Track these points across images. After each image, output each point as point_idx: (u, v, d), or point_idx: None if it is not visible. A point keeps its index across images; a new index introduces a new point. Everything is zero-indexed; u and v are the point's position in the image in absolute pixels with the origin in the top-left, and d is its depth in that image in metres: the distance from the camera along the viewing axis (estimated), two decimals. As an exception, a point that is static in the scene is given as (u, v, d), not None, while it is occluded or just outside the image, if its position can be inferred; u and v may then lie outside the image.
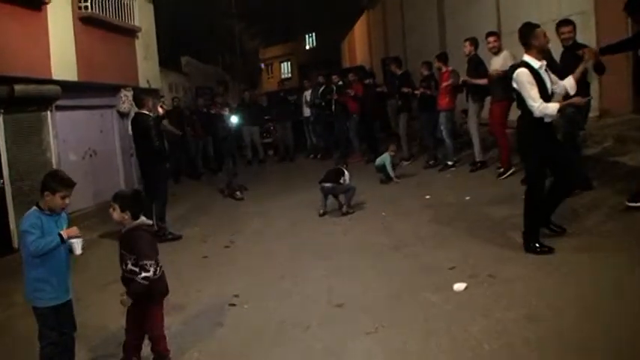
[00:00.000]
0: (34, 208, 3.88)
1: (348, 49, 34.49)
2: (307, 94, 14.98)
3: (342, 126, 14.00)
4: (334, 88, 14.16)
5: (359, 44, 30.41)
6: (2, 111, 8.07)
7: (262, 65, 48.25)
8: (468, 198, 7.93)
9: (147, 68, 12.64)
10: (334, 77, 14.62)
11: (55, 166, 9.22)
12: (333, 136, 14.54)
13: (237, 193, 10.66)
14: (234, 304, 5.28)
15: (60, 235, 3.74)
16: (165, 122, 9.21)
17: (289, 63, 49.44)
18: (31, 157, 8.68)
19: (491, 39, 8.90)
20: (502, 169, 8.79)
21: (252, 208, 9.73)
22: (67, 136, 9.98)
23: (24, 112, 8.55)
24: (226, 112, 12.65)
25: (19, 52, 8.06)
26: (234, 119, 9.55)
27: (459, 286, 4.84)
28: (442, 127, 10.25)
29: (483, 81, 9.01)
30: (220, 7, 25.52)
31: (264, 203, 9.99)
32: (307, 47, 47.93)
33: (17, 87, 8.05)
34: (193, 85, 17.72)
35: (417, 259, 5.83)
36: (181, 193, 11.86)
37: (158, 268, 3.93)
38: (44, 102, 8.94)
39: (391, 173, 10.08)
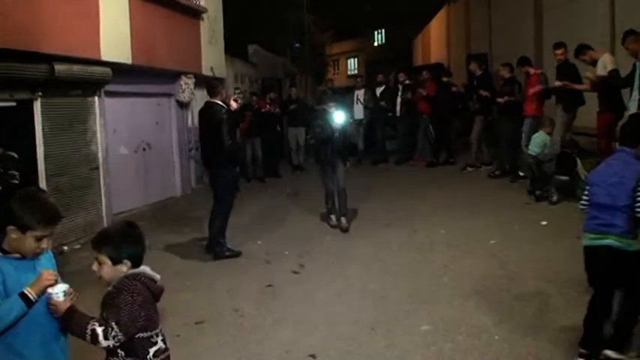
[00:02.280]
0: None
1: (421, 46, 32.77)
2: (359, 93, 13.15)
3: (406, 128, 12.80)
4: (400, 88, 12.70)
5: (435, 41, 28.78)
6: (40, 94, 6.87)
7: (328, 61, 47.01)
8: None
9: (211, 54, 11.35)
10: (400, 75, 13.00)
11: (101, 160, 8.05)
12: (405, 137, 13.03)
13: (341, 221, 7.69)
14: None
15: (24, 294, 2.28)
16: None
17: (356, 59, 48.19)
18: (73, 149, 7.49)
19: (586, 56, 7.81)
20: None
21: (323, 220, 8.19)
22: (118, 126, 8.79)
23: (66, 97, 7.35)
24: (278, 111, 11.69)
25: (62, 28, 6.84)
26: (338, 117, 7.51)
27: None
28: (524, 135, 9.09)
29: (584, 86, 8.03)
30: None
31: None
32: (376, 44, 46.52)
33: (59, 66, 6.84)
34: (260, 76, 16.44)
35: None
36: (240, 199, 10.47)
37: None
38: (91, 86, 7.72)
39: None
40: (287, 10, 23.47)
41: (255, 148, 11.89)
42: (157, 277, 2.55)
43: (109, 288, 2.45)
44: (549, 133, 8.28)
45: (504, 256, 5.87)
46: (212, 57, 11.39)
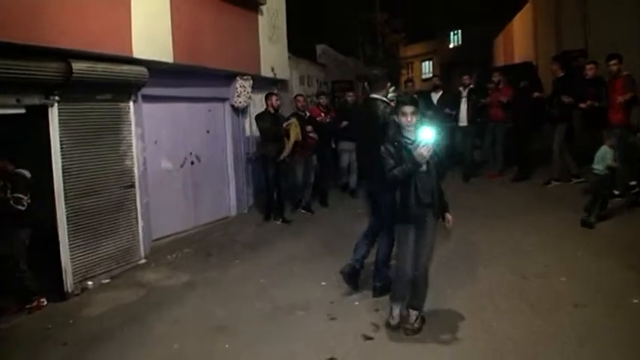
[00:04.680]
0: None
1: (503, 45, 30.81)
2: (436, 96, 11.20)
3: (467, 137, 10.80)
4: (465, 92, 10.64)
5: (518, 39, 26.95)
6: (56, 98, 5.64)
7: (402, 64, 45.27)
8: None
9: (272, 53, 9.94)
10: (465, 78, 10.93)
11: (137, 177, 6.77)
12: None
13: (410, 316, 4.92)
14: None
15: None
16: None
17: (431, 62, 46.26)
18: (101, 165, 6.24)
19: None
20: None
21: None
22: (160, 137, 7.53)
23: (91, 102, 6.10)
24: (329, 120, 9.58)
25: (80, 18, 5.58)
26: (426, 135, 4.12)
27: None
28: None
29: None
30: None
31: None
32: (451, 45, 44.49)
33: (77, 65, 5.59)
34: (329, 79, 14.95)
35: None
36: (299, 223, 8.98)
37: None
38: (123, 88, 6.45)
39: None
40: (359, 9, 22.04)
41: (307, 169, 9.13)
42: None
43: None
44: (612, 147, 6.89)
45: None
46: (273, 56, 9.98)
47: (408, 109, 4.26)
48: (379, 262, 5.20)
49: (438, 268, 5.33)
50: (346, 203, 9.43)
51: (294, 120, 8.61)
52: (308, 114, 9.30)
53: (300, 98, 9.38)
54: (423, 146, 4.05)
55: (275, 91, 9.40)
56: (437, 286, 4.89)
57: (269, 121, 8.37)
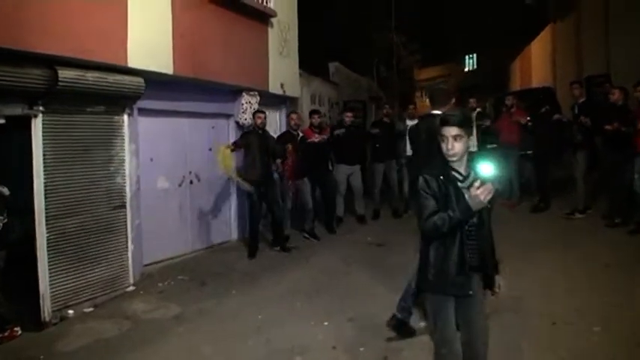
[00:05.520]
0: None
1: (520, 70, 30.42)
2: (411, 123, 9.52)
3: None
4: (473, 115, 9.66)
5: (537, 63, 26.61)
6: (41, 109, 5.15)
7: (417, 86, 44.98)
8: None
9: (282, 68, 9.44)
10: (471, 101, 10.28)
11: (129, 196, 6.24)
12: None
13: None
14: None
15: None
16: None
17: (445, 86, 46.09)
18: (87, 183, 5.72)
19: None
20: None
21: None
22: (156, 153, 7.01)
23: (81, 114, 5.61)
24: (326, 138, 8.64)
25: (69, 21, 5.11)
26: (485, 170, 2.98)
27: None
28: (637, 176, 7.45)
29: None
30: (378, 17, 22.43)
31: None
32: (466, 69, 44.18)
33: (64, 72, 5.10)
34: (341, 98, 14.43)
35: None
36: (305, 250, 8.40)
37: None
38: (116, 100, 5.96)
39: None
40: (375, 29, 21.65)
41: (303, 193, 8.45)
42: None
43: None
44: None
45: None
46: (283, 71, 9.48)
47: (449, 129, 2.97)
48: (410, 286, 4.59)
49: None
50: (355, 229, 8.87)
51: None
52: (301, 134, 8.56)
53: (294, 116, 8.62)
54: (482, 186, 2.80)
55: (294, 110, 8.88)
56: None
57: (253, 139, 7.53)
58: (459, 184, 2.99)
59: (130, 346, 4.78)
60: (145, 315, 5.52)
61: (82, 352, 4.72)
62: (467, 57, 44.44)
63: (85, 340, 4.94)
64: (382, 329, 4.79)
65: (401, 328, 4.59)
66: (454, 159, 3.00)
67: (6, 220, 4.95)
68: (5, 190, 5.02)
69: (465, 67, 44.86)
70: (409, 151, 9.79)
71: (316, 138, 8.48)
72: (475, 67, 43.52)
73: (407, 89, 31.82)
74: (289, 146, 8.13)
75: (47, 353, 4.67)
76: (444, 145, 2.99)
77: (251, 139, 7.51)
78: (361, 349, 4.47)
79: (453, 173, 3.02)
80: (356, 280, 6.37)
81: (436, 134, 3.10)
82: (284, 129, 9.22)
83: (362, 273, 6.62)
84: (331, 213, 9.02)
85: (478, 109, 10.11)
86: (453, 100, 5.53)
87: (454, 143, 2.96)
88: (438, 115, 4.57)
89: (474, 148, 9.76)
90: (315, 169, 8.58)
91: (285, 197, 8.33)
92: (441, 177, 2.99)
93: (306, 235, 8.43)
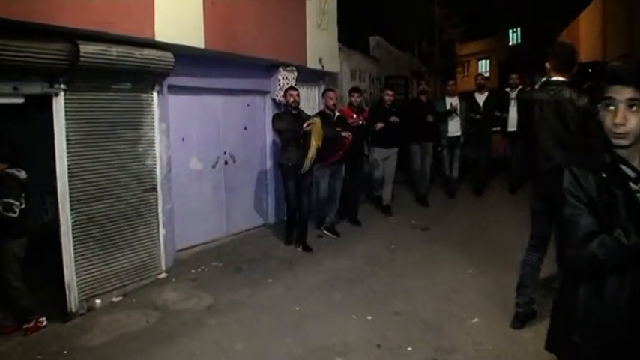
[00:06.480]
0: None
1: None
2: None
3: (516, 144, 9.30)
4: (513, 92, 9.14)
5: (585, 37, 25.45)
6: (62, 86, 4.81)
7: (458, 62, 43.75)
8: None
9: (320, 42, 8.91)
10: (513, 77, 9.61)
11: (160, 179, 5.90)
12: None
13: None
14: None
15: None
16: None
17: (488, 61, 44.50)
18: (116, 165, 5.38)
19: None
20: None
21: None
22: (188, 133, 6.66)
23: (106, 91, 5.26)
24: (362, 122, 7.73)
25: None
26: None
27: None
28: None
29: None
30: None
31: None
32: (510, 44, 42.63)
33: (86, 47, 4.74)
34: (383, 74, 13.82)
35: None
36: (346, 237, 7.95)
37: None
38: (144, 77, 5.59)
39: None
40: (418, 2, 20.85)
41: (335, 180, 7.57)
42: None
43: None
44: None
45: None
46: (321, 45, 8.95)
47: (621, 90, 1.78)
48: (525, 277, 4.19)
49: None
50: (399, 212, 8.39)
51: (316, 120, 6.78)
52: (338, 114, 7.63)
53: (332, 94, 7.54)
54: None
55: (331, 87, 8.28)
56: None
57: (288, 120, 6.78)
58: (633, 185, 1.82)
59: (158, 340, 4.47)
60: (175, 305, 5.20)
61: (106, 347, 4.42)
62: (510, 31, 42.99)
63: (111, 334, 4.65)
64: (430, 325, 4.35)
65: (527, 318, 4.17)
66: (625, 142, 1.79)
67: (24, 207, 4.66)
68: (21, 174, 4.71)
69: (509, 41, 43.44)
70: (453, 132, 9.29)
71: (354, 121, 7.64)
72: (519, 41, 42.08)
73: (449, 64, 30.91)
74: (340, 129, 7.18)
75: (70, 348, 4.39)
76: (607, 119, 1.82)
77: (285, 119, 6.83)
78: (409, 348, 4.03)
79: (622, 167, 1.83)
80: (400, 268, 5.92)
81: (566, 109, 2.35)
82: (322, 107, 8.70)
83: (406, 260, 6.17)
84: (355, 203, 8.26)
85: (520, 87, 9.30)
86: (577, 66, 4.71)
87: (628, 114, 1.78)
88: (563, 82, 3.87)
89: (512, 129, 9.03)
90: (353, 154, 7.70)
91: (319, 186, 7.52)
92: (602, 174, 1.83)
93: (326, 231, 7.50)
